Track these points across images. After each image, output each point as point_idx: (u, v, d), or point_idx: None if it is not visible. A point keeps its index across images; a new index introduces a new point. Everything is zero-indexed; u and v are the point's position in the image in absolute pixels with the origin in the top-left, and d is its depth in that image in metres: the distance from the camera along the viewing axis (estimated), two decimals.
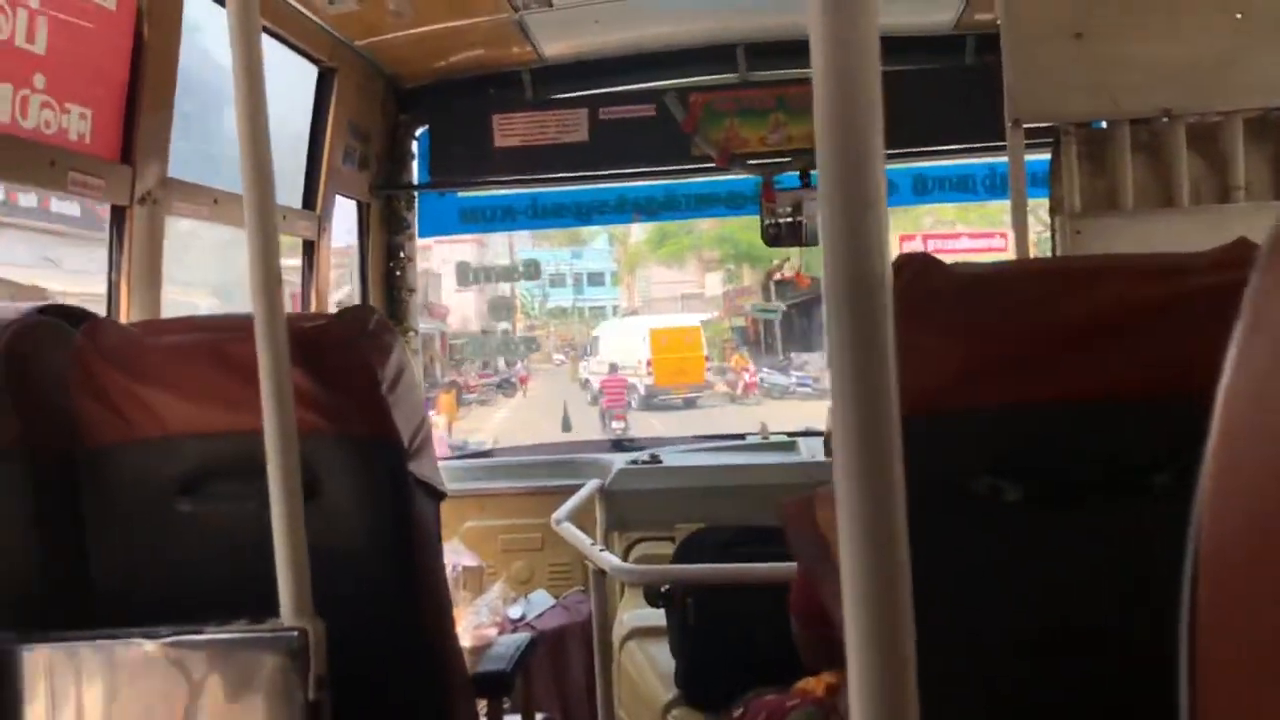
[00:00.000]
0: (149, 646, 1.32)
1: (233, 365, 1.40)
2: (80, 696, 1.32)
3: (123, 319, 2.30)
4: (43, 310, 1.54)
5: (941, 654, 1.17)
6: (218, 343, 1.46)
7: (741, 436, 4.18)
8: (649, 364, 21.07)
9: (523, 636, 2.03)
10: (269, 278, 1.30)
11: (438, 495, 1.56)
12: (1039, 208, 2.77)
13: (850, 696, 0.64)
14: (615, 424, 16.75)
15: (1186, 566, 0.38)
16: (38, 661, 1.31)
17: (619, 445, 4.36)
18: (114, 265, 2.32)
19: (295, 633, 1.28)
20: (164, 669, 1.32)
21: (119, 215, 2.32)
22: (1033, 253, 2.55)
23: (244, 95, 1.28)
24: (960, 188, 3.96)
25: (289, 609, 1.29)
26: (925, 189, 3.97)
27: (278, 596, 1.28)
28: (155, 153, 2.36)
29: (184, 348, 1.49)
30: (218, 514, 1.46)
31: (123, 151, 2.30)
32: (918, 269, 1.13)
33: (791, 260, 4.54)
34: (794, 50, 3.52)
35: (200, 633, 1.31)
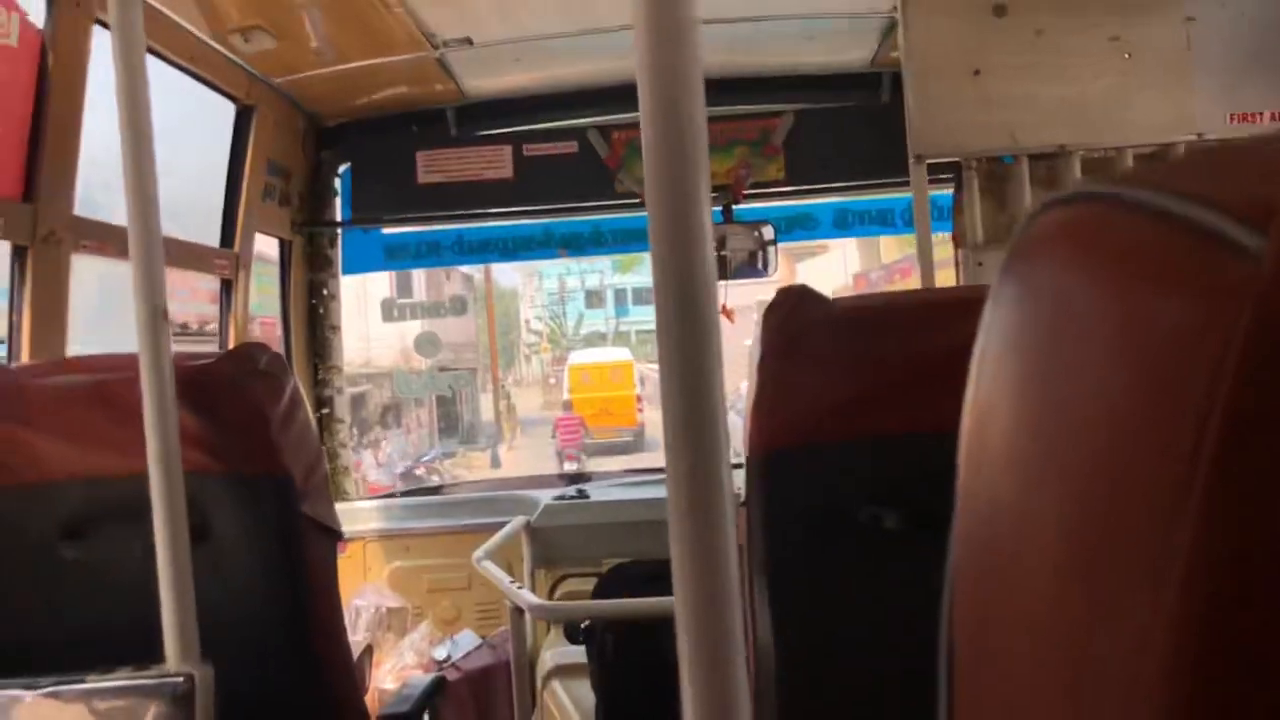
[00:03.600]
0: (28, 698, 1.27)
1: (116, 406, 1.38)
2: None
3: (25, 360, 2.24)
4: None
5: (824, 677, 1.18)
6: (100, 384, 1.43)
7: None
8: (567, 405, 18.90)
9: (431, 676, 2.01)
10: (154, 315, 1.28)
11: (333, 535, 1.54)
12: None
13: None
14: (568, 465, 15.55)
15: (945, 598, 0.39)
16: None
17: (573, 480, 4.30)
18: (14, 306, 2.27)
19: (180, 679, 1.25)
20: None
21: (20, 254, 2.27)
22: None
23: (129, 123, 1.27)
24: (880, 221, 4.03)
25: (174, 654, 1.26)
26: (846, 223, 4.04)
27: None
28: (59, 190, 2.32)
29: (66, 389, 1.46)
30: (103, 559, 1.42)
31: (25, 189, 2.26)
32: (794, 303, 1.15)
33: None
34: (713, 88, 3.58)
35: (82, 682, 1.27)
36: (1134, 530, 0.27)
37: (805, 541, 1.20)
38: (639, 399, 19.48)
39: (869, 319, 1.19)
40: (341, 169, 3.83)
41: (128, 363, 1.29)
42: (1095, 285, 0.31)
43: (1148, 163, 2.49)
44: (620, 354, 20.96)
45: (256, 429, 1.42)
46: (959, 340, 1.30)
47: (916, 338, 1.16)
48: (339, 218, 3.84)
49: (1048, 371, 0.33)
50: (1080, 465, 0.30)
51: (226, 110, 3.29)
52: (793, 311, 1.15)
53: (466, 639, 3.44)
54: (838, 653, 1.16)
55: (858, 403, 1.15)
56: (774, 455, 1.18)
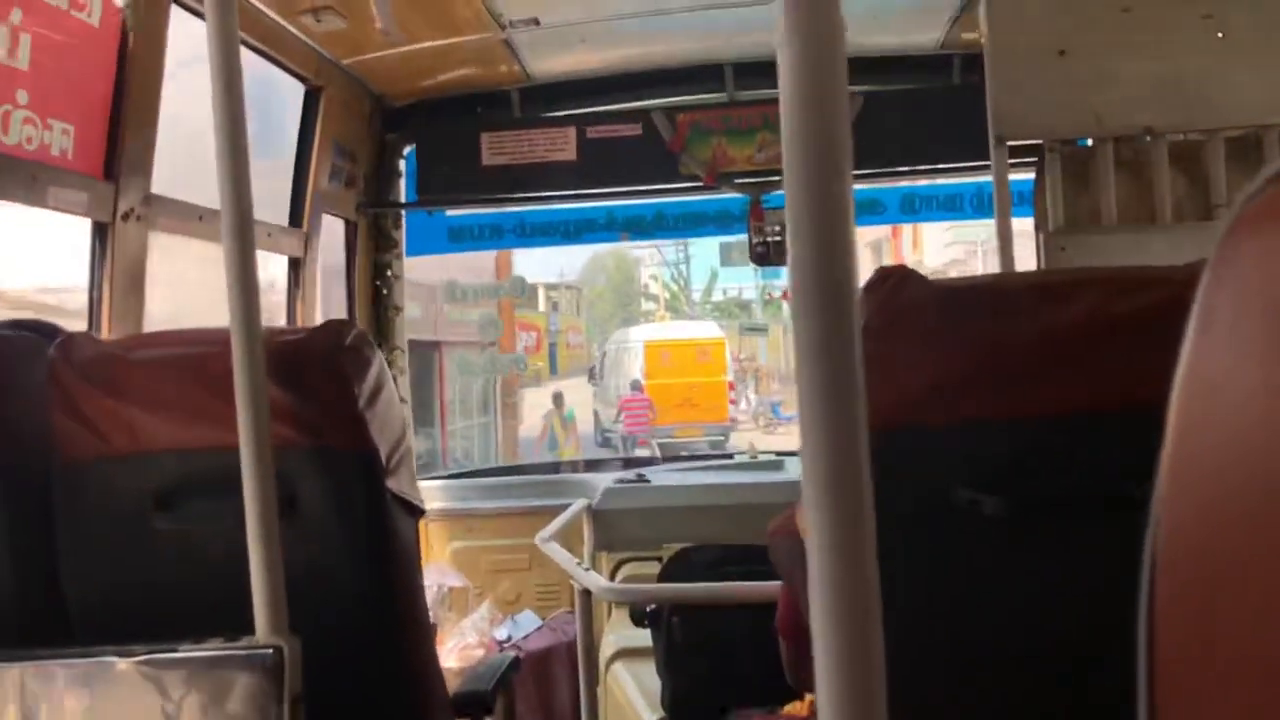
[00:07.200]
0: (122, 664, 1.30)
1: (209, 380, 1.39)
2: (53, 715, 1.30)
3: (104, 335, 2.28)
4: (15, 325, 1.53)
5: (926, 666, 1.16)
6: (194, 357, 1.45)
7: (729, 455, 4.17)
8: (635, 385, 15.40)
9: (505, 656, 2.01)
10: (246, 291, 1.29)
11: (416, 512, 1.54)
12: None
13: (820, 711, 0.63)
14: (639, 450, 13.63)
15: (1144, 570, 0.38)
16: (9, 679, 1.29)
17: (629, 464, 4.28)
18: (95, 282, 2.31)
19: (270, 650, 1.26)
20: (138, 687, 1.30)
21: (101, 231, 2.31)
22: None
23: (222, 109, 1.28)
24: (948, 207, 3.97)
25: (264, 626, 1.28)
26: (914, 208, 3.98)
27: (253, 613, 1.26)
28: (139, 169, 2.35)
29: (160, 363, 1.47)
30: (194, 530, 1.44)
31: (106, 168, 2.30)
32: (896, 282, 1.13)
33: None
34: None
35: (174, 651, 1.29)
36: None
37: (903, 528, 1.18)
38: (731, 386, 14.98)
39: (973, 300, 1.17)
40: (406, 150, 3.85)
41: (218, 336, 1.30)
42: None
43: (1240, 146, 2.42)
44: (709, 329, 16.28)
45: (344, 404, 1.43)
46: (1064, 323, 1.26)
47: (1021, 320, 1.13)
48: (404, 199, 3.86)
49: None
50: None
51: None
52: (893, 291, 1.13)
53: (527, 620, 3.46)
54: (939, 639, 1.14)
55: (960, 385, 1.12)
56: (871, 439, 1.16)
